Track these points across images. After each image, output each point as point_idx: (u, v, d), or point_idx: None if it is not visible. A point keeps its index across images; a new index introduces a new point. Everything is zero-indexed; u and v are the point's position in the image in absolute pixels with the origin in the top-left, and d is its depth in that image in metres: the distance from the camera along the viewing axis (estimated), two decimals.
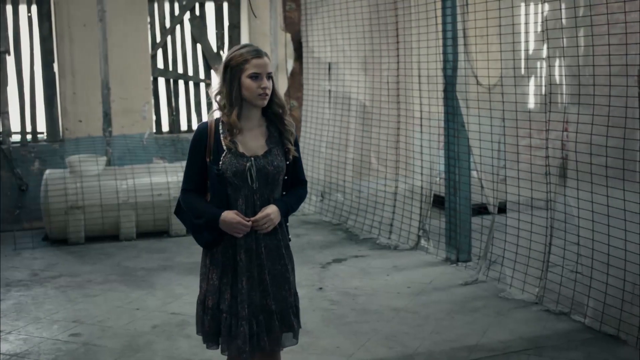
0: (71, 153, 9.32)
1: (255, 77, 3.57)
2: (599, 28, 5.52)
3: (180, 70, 10.41)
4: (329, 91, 9.83)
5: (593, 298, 5.71)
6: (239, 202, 3.64)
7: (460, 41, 7.11)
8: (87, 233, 8.65)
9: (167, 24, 10.28)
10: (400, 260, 7.68)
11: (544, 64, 6.29)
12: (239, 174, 3.61)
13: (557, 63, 6.19)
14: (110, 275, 7.41)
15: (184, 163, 9.04)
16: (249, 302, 3.64)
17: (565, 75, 5.94)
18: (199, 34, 10.42)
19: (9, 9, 9.44)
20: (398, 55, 8.37)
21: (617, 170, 5.39)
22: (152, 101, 10.20)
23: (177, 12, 10.30)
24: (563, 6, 5.94)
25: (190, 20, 10.38)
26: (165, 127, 10.43)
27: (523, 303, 6.28)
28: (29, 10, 9.56)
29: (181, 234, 8.77)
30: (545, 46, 6.22)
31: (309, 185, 10.26)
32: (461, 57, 7.13)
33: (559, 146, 6.19)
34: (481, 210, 7.59)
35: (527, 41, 6.83)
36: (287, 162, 3.73)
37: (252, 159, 3.63)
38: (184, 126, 10.54)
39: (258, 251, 3.67)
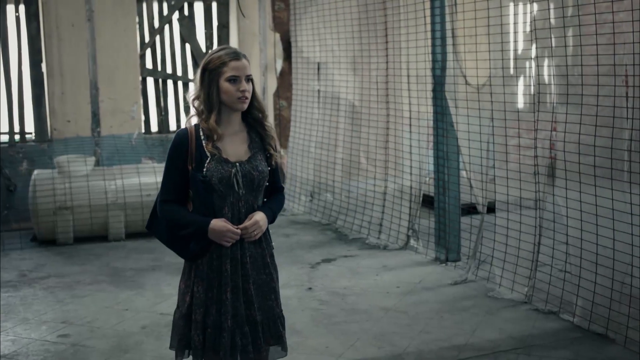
0: (59, 153, 9.28)
1: (233, 80, 3.47)
2: (588, 28, 5.53)
3: (169, 70, 10.39)
4: (318, 91, 9.82)
5: (582, 297, 5.73)
6: (224, 210, 3.52)
7: (449, 41, 7.12)
8: (75, 234, 8.62)
9: (156, 24, 10.27)
10: (390, 260, 7.69)
11: (533, 64, 6.30)
12: (224, 180, 3.49)
13: (545, 63, 6.21)
14: (99, 275, 7.38)
15: None
16: (233, 312, 3.52)
17: (554, 75, 5.95)
18: (187, 34, 10.41)
19: None
20: (387, 55, 8.38)
21: (606, 170, 5.41)
22: (141, 101, 10.18)
23: (165, 11, 10.28)
24: (551, 6, 5.95)
25: (179, 20, 10.36)
26: (154, 127, 10.42)
27: (512, 302, 6.29)
28: (16, 10, 9.52)
29: None
30: (533, 46, 6.23)
31: (298, 185, 10.32)
32: (450, 57, 7.14)
33: (547, 146, 6.20)
34: (470, 210, 7.60)
35: (515, 41, 6.86)
36: (269, 168, 3.63)
37: (237, 164, 3.52)
38: (173, 126, 10.52)
39: (243, 260, 3.55)
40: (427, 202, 8.22)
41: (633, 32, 5.11)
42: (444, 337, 5.61)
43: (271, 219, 3.65)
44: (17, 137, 9.65)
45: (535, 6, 6.12)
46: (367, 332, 5.73)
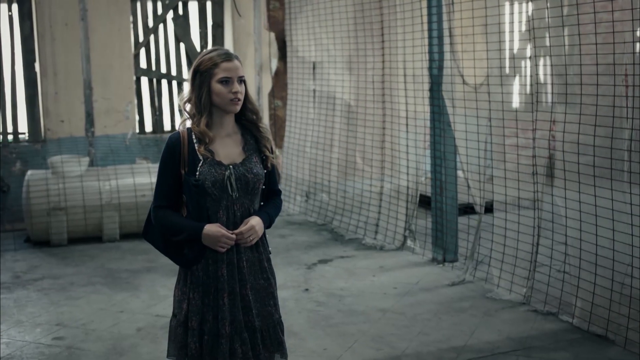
0: (53, 153, 9.22)
1: (225, 81, 3.39)
2: (584, 27, 5.49)
3: (163, 69, 10.33)
4: (314, 91, 9.77)
5: (581, 298, 5.69)
6: (219, 215, 3.43)
7: (447, 40, 7.08)
8: (69, 234, 8.56)
9: (150, 23, 10.20)
10: (387, 261, 7.64)
11: (530, 63, 6.26)
12: (217, 183, 3.40)
13: (542, 62, 6.17)
14: (94, 277, 7.32)
15: None
16: (231, 319, 3.43)
17: (553, 74, 5.91)
18: (182, 33, 10.35)
19: None
20: (383, 55, 8.33)
21: (605, 170, 5.37)
22: (135, 101, 10.12)
23: (160, 11, 10.22)
24: (548, 5, 5.91)
25: (174, 19, 10.30)
26: (148, 127, 10.36)
27: (510, 303, 6.25)
28: (9, 9, 9.44)
29: None
30: (531, 45, 6.19)
31: (293, 185, 10.26)
32: (447, 56, 7.10)
33: (545, 145, 6.16)
34: (467, 210, 7.57)
35: (511, 40, 6.81)
36: (265, 171, 3.56)
37: (231, 167, 3.44)
38: (167, 126, 10.46)
39: (239, 265, 3.46)
40: (424, 202, 8.18)
41: (633, 31, 5.07)
42: (442, 339, 5.56)
43: (267, 224, 3.56)
44: (10, 137, 9.57)
45: (532, 5, 6.08)
46: (365, 334, 5.68)
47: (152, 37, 10.22)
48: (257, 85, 10.25)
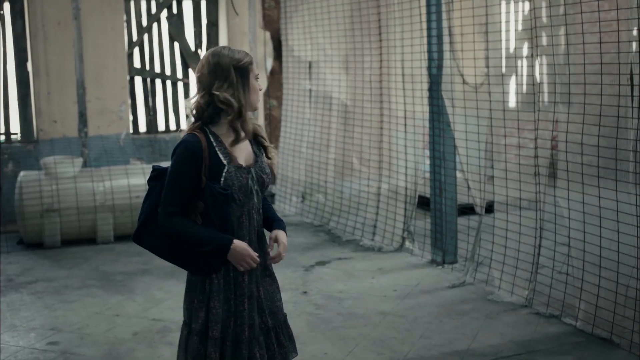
0: (46, 154, 9.10)
1: (256, 78, 3.42)
2: (589, 26, 5.41)
3: (157, 69, 10.21)
4: (310, 90, 9.68)
5: (584, 300, 5.61)
6: (242, 220, 3.36)
7: (446, 39, 6.99)
8: (63, 236, 8.44)
9: (144, 22, 10.08)
10: (385, 263, 7.55)
11: (531, 62, 6.17)
12: (243, 188, 3.32)
13: (544, 61, 6.09)
14: (88, 280, 7.20)
15: (162, 164, 8.97)
16: (250, 323, 3.36)
17: (555, 74, 5.82)
18: (176, 32, 10.23)
19: None
20: (381, 54, 8.24)
21: (608, 170, 5.29)
22: (129, 101, 9.99)
23: (154, 10, 10.10)
24: (549, 4, 5.83)
25: (168, 18, 10.18)
26: (142, 127, 10.24)
27: (512, 306, 6.16)
28: (1, 8, 9.31)
29: None
30: (530, 44, 6.11)
31: (289, 185, 10.15)
32: (446, 55, 7.01)
33: (546, 145, 6.08)
34: (464, 210, 7.48)
35: (507, 39, 6.72)
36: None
37: (252, 170, 3.38)
38: (161, 126, 10.35)
39: (255, 268, 3.41)
40: (422, 203, 8.09)
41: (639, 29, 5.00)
42: (444, 343, 5.47)
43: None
44: (2, 137, 9.44)
45: (534, 3, 5.99)
46: (366, 338, 5.59)
47: (146, 36, 10.11)
48: None
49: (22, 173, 8.54)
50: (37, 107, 9.43)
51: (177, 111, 10.37)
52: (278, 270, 3.70)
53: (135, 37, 10.04)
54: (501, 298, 6.31)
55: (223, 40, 10.38)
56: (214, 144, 3.33)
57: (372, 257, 7.77)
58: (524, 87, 6.57)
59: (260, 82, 9.96)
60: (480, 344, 5.43)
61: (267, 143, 3.52)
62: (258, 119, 9.95)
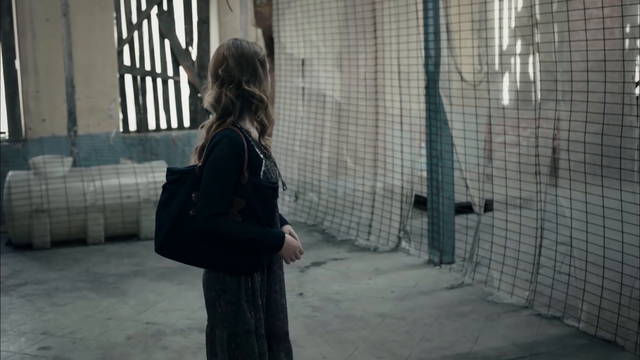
0: (35, 154, 8.94)
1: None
2: (597, 22, 5.31)
3: (147, 67, 10.07)
4: (303, 88, 9.55)
5: (587, 302, 5.51)
6: (276, 216, 3.39)
7: (443, 36, 6.87)
8: (53, 237, 8.27)
9: (134, 19, 9.93)
10: (381, 263, 7.43)
11: (533, 59, 6.06)
12: (278, 181, 3.35)
13: (542, 58, 5.99)
14: (79, 282, 7.05)
15: (153, 163, 8.91)
16: (264, 319, 3.42)
17: (556, 71, 5.72)
18: (166, 30, 10.09)
19: None
20: (376, 51, 8.12)
21: (611, 168, 5.20)
22: (119, 99, 9.84)
23: (144, 6, 9.95)
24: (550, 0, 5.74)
25: (158, 15, 10.03)
26: (132, 126, 10.08)
27: (512, 307, 6.06)
28: None
29: (151, 237, 8.43)
30: (531, 41, 6.01)
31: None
32: (444, 52, 6.89)
33: (547, 143, 5.98)
34: (460, 209, 7.37)
35: (501, 36, 6.61)
36: None
37: (273, 162, 3.40)
38: (152, 125, 10.20)
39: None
40: (418, 202, 7.98)
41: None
42: (445, 345, 5.36)
43: None
44: None
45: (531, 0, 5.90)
46: (365, 341, 5.47)
47: (136, 34, 9.96)
48: None
49: (10, 173, 8.37)
50: (26, 106, 9.27)
51: (168, 109, 10.22)
52: None
53: (125, 34, 9.88)
54: (501, 299, 6.21)
55: (214, 38, 10.25)
56: (249, 139, 3.27)
57: (367, 258, 7.65)
58: (519, 84, 6.45)
59: None
60: (482, 346, 5.32)
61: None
62: None
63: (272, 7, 10.04)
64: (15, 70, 9.28)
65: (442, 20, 6.86)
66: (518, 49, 6.24)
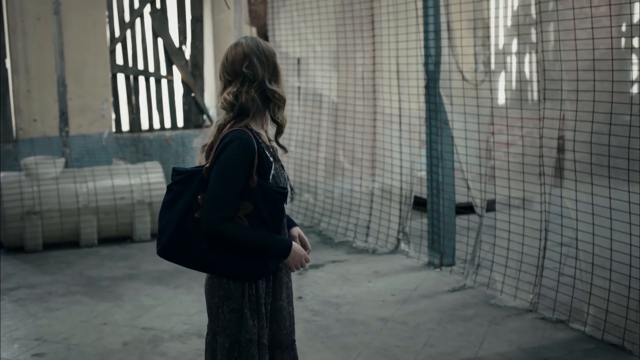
0: (26, 154, 8.77)
1: None
2: (602, 20, 5.21)
3: (140, 66, 9.90)
4: (298, 88, 9.43)
5: (594, 305, 5.41)
6: (283, 221, 3.26)
7: (444, 34, 6.75)
8: (45, 240, 8.12)
9: (127, 18, 9.76)
10: (381, 265, 7.30)
11: (539, 57, 5.96)
12: (287, 186, 3.23)
13: (551, 57, 5.89)
14: (73, 286, 6.90)
15: (147, 164, 8.76)
16: (269, 327, 3.30)
17: (562, 70, 5.61)
18: (160, 28, 9.93)
19: None
20: (374, 50, 8.00)
21: (617, 168, 5.10)
22: (111, 99, 9.68)
23: (136, 5, 9.78)
24: None
25: (151, 13, 9.87)
26: (125, 126, 9.92)
27: (516, 310, 5.95)
28: None
29: (145, 239, 8.32)
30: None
31: None
32: (444, 51, 6.78)
33: (551, 143, 5.87)
34: (460, 210, 7.26)
35: (498, 35, 6.51)
36: None
37: (281, 164, 3.29)
38: (145, 125, 10.04)
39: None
40: (417, 203, 7.87)
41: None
42: (450, 351, 5.25)
43: None
44: None
45: None
46: (368, 346, 5.35)
47: (128, 32, 9.79)
48: None
49: (1, 174, 8.22)
50: (16, 106, 9.09)
51: (161, 109, 10.07)
52: None
53: (117, 33, 9.71)
54: (504, 302, 6.10)
55: (208, 36, 10.11)
56: (259, 141, 3.15)
57: (366, 260, 7.52)
58: (517, 83, 6.35)
59: None
60: (488, 351, 5.21)
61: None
62: None
63: (267, 5, 9.91)
64: (6, 70, 9.10)
65: (443, 19, 6.74)
66: (526, 47, 6.14)
